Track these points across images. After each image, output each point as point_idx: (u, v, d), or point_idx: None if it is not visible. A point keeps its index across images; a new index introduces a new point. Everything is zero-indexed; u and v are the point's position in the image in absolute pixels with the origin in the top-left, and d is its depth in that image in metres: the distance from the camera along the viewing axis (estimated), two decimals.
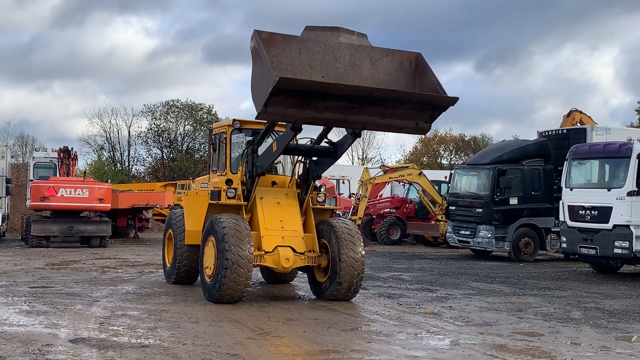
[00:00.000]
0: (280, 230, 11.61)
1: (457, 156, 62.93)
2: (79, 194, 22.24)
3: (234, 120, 12.71)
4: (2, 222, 25.97)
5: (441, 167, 57.03)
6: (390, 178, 27.84)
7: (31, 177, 27.13)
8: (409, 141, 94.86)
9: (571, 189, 17.31)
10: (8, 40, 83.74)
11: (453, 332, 9.37)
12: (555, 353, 8.13)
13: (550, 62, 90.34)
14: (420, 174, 26.65)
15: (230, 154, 12.70)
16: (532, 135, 28.92)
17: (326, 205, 12.75)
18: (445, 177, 26.59)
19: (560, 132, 22.01)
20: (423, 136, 64.22)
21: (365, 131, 60.07)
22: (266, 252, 11.35)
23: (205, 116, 54.54)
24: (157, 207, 27.27)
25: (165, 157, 54.94)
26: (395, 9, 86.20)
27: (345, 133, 11.42)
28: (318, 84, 9.43)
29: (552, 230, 20.81)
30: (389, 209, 28.69)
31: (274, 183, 12.45)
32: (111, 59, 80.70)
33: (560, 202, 17.69)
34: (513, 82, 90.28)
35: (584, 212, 16.71)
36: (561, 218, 17.65)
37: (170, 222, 13.69)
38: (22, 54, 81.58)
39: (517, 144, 22.95)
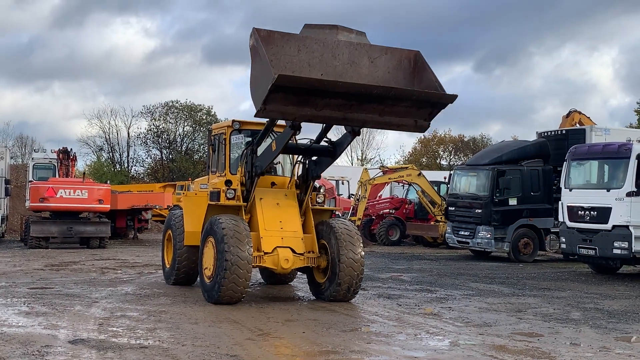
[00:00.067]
0: (279, 231, 11.60)
1: (456, 157, 63.01)
2: (78, 195, 22.22)
3: (234, 121, 12.70)
4: (1, 223, 25.97)
5: (440, 167, 57.09)
6: (389, 179, 27.85)
7: (30, 178, 27.16)
8: (408, 142, 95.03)
9: (570, 190, 17.32)
10: (7, 41, 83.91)
11: (452, 332, 9.37)
12: (554, 354, 8.13)
13: (549, 63, 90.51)
14: (419, 174, 26.65)
15: (230, 155, 12.70)
16: (532, 135, 28.95)
17: (325, 206, 12.75)
18: (445, 178, 26.60)
19: (559, 132, 22.02)
20: (422, 137, 64.36)
21: (365, 132, 60.42)
22: (265, 253, 11.34)
23: (204, 117, 54.58)
24: (156, 208, 27.25)
25: (164, 158, 54.96)
26: (395, 9, 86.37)
27: (344, 132, 11.44)
28: (317, 81, 9.43)
29: (552, 230, 20.81)
30: (388, 210, 28.69)
31: (273, 184, 12.45)
32: (110, 60, 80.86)
33: (560, 202, 17.69)
34: (512, 83, 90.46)
35: (583, 212, 16.71)
36: (560, 219, 17.65)
37: (169, 223, 13.69)
38: (22, 54, 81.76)
39: (516, 145, 22.98)
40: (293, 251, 11.46)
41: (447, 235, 22.94)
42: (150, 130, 54.29)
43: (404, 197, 29.20)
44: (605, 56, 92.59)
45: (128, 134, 55.35)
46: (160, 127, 54.40)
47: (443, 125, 64.58)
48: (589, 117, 23.86)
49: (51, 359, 7.28)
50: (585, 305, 12.10)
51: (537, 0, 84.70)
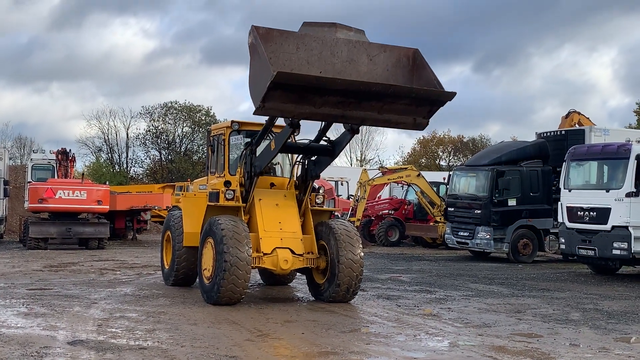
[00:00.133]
0: (278, 231, 11.59)
1: (455, 157, 63.02)
2: (77, 196, 22.21)
3: (233, 121, 12.69)
4: (0, 224, 25.95)
5: (440, 168, 57.12)
6: (388, 179, 27.86)
7: (29, 179, 27.12)
8: (407, 142, 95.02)
9: (570, 190, 17.32)
10: (6, 41, 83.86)
11: (452, 333, 9.36)
12: (554, 354, 8.12)
13: (548, 63, 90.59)
14: (418, 175, 26.66)
15: (229, 156, 12.69)
16: (531, 136, 28.93)
17: (325, 207, 12.73)
18: (444, 179, 26.59)
19: (558, 133, 22.02)
20: (421, 137, 64.43)
21: (364, 133, 60.52)
22: (265, 254, 11.33)
23: (203, 118, 54.61)
24: (155, 209, 27.25)
25: (163, 158, 54.98)
26: (394, 9, 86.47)
27: (343, 131, 11.43)
28: (315, 79, 9.42)
29: (551, 231, 20.81)
30: (387, 211, 28.70)
31: (272, 185, 12.43)
32: (109, 61, 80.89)
33: (559, 203, 17.69)
34: (511, 83, 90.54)
35: (582, 213, 16.71)
36: (560, 219, 17.66)
37: (168, 223, 13.67)
38: (21, 55, 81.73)
39: (515, 145, 22.98)
40: (292, 252, 11.44)
41: (446, 236, 22.94)
42: (149, 131, 54.34)
43: (403, 197, 29.21)
44: (605, 57, 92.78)
45: (127, 134, 55.42)
46: (159, 127, 54.44)
47: (442, 126, 64.75)
48: (588, 118, 23.86)
49: None
50: (585, 306, 12.09)
51: (537, 1, 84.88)
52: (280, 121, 11.51)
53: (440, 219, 25.61)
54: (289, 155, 12.80)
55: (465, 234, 21.53)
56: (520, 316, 10.88)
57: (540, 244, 21.09)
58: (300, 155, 12.07)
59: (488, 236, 20.73)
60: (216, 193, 11.96)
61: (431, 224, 26.61)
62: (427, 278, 16.04)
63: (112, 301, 11.37)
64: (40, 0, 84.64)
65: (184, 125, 55.07)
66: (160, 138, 54.36)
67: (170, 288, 13.13)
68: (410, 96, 9.81)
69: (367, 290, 13.43)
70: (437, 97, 9.98)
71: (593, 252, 16.53)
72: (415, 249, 26.07)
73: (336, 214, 22.11)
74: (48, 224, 22.55)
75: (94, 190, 22.86)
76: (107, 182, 30.71)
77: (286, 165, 12.98)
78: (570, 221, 17.07)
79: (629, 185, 15.85)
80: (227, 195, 11.75)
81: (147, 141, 54.61)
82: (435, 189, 27.05)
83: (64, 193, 22.08)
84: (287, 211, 11.90)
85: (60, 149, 26.28)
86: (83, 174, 34.81)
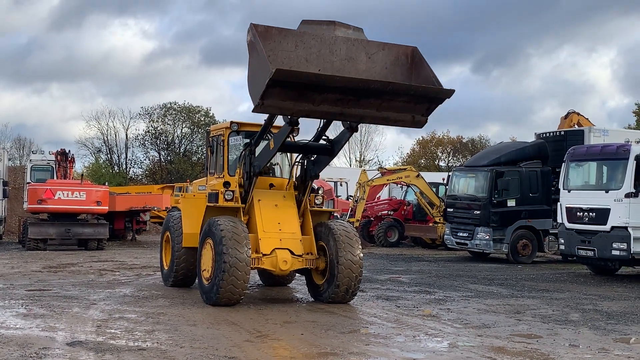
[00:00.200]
0: (278, 232, 11.58)
1: (454, 158, 63.05)
2: (76, 197, 22.20)
3: (232, 122, 12.68)
4: None
5: (439, 169, 57.11)
6: (388, 180, 27.85)
7: (28, 180, 27.09)
8: (406, 143, 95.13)
9: (569, 191, 17.32)
10: (6, 42, 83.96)
11: (451, 334, 9.36)
12: (553, 355, 8.11)
13: (547, 64, 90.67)
14: (418, 176, 26.66)
15: (228, 156, 12.68)
16: (530, 137, 28.94)
17: (324, 208, 12.73)
18: (443, 179, 26.58)
19: (557, 133, 22.02)
20: (420, 138, 64.47)
21: (363, 133, 60.52)
22: (264, 255, 11.32)
23: (202, 118, 54.62)
24: (154, 210, 27.24)
25: (162, 159, 54.98)
26: (393, 10, 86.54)
27: (342, 130, 11.42)
28: (314, 76, 9.42)
29: (550, 232, 20.80)
30: (386, 211, 28.69)
31: (271, 185, 12.43)
32: (109, 62, 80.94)
33: (558, 203, 17.69)
34: (511, 84, 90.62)
35: (581, 213, 16.71)
36: (559, 220, 17.66)
37: (167, 224, 13.66)
38: (20, 56, 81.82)
39: (514, 146, 22.97)
40: (291, 253, 11.44)
41: (445, 236, 22.93)
42: (148, 131, 54.33)
43: (402, 198, 29.19)
44: (604, 57, 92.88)
45: (126, 135, 55.42)
46: (159, 128, 54.43)
47: (441, 126, 64.91)
48: (587, 118, 23.87)
49: None
50: (584, 307, 12.09)
51: (536, 1, 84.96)
52: (279, 121, 11.51)
53: (439, 219, 25.61)
54: (288, 155, 12.80)
55: (465, 234, 21.53)
56: (520, 317, 10.87)
57: (540, 245, 21.08)
58: (300, 156, 12.07)
59: (487, 237, 20.73)
60: (215, 194, 11.96)
61: (430, 224, 26.60)
62: (427, 279, 16.03)
63: (111, 302, 11.36)
64: (39, 0, 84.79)
65: (183, 126, 55.11)
66: (160, 139, 54.37)
67: (170, 289, 13.12)
68: (408, 94, 9.81)
69: (367, 291, 13.43)
70: (436, 95, 9.98)
71: (592, 252, 16.53)
72: (415, 250, 26.07)
73: (335, 214, 22.11)
74: (47, 225, 22.54)
75: (93, 191, 22.86)
76: (106, 183, 30.66)
77: (285, 166, 12.98)
78: (569, 222, 17.08)
79: (628, 185, 15.85)
80: (226, 196, 11.75)
81: (146, 142, 54.66)
82: (434, 189, 27.04)
83: (63, 194, 22.07)
84: (287, 212, 11.89)
85: (59, 150, 26.28)
86: (82, 174, 34.82)
